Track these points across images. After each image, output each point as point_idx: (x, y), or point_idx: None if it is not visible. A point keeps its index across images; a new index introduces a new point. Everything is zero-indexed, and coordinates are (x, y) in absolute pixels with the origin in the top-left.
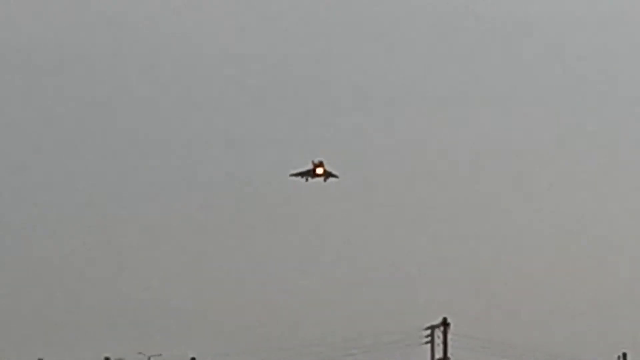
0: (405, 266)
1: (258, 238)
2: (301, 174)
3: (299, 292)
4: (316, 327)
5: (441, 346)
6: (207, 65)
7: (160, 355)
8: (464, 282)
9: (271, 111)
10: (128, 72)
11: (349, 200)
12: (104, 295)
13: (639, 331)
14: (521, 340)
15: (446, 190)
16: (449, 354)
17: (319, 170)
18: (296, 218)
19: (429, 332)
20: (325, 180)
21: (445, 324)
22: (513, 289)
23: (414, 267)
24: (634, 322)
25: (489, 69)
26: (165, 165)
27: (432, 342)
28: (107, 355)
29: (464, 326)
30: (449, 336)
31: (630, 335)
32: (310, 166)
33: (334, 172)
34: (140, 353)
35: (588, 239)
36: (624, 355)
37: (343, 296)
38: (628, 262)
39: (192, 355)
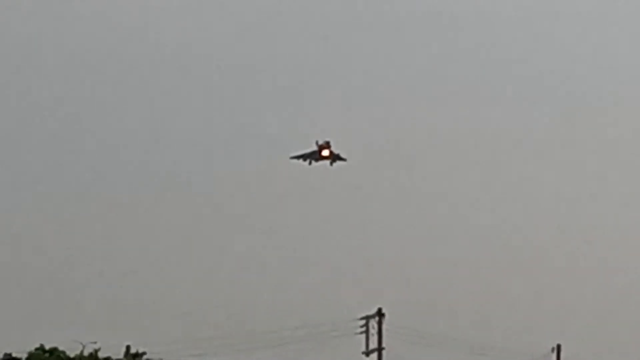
0: (342, 257)
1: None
2: (304, 157)
3: (232, 283)
4: (249, 318)
5: (376, 336)
6: (208, 57)
7: (96, 342)
8: (400, 272)
9: (275, 93)
10: (123, 69)
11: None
12: (40, 282)
13: (573, 324)
14: (456, 332)
15: (397, 183)
16: (383, 344)
17: (325, 152)
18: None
19: (363, 322)
20: (332, 163)
21: (380, 314)
22: (449, 281)
23: (350, 258)
24: (567, 315)
25: (495, 62)
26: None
27: (367, 332)
28: (42, 342)
29: (399, 317)
30: (384, 327)
31: (564, 328)
32: (314, 148)
33: (341, 154)
34: (75, 341)
35: (520, 231)
36: (558, 347)
37: (276, 287)
38: (562, 255)
39: (127, 343)
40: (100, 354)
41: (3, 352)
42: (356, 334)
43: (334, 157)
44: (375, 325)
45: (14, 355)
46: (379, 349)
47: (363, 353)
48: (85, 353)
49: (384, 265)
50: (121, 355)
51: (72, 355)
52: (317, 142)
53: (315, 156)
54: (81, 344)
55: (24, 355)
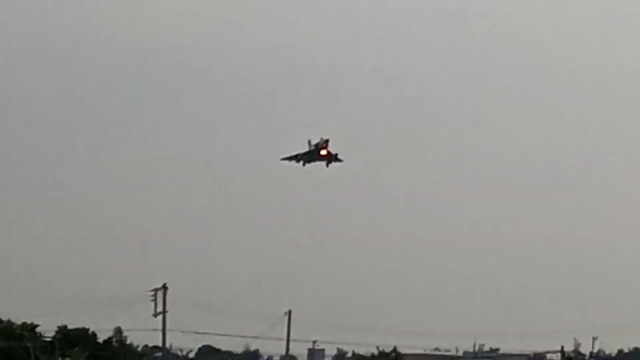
0: (139, 243)
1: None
2: (296, 158)
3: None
4: (77, 283)
5: (161, 304)
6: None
7: None
8: (182, 250)
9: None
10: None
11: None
12: None
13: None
14: (222, 300)
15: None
16: (167, 309)
17: (323, 152)
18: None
19: (153, 293)
20: (328, 164)
21: (164, 287)
22: (221, 257)
23: (141, 243)
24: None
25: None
26: None
27: (155, 300)
28: None
29: (181, 289)
30: (168, 297)
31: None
32: (307, 148)
33: (339, 155)
34: None
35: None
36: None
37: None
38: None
39: None
40: None
41: None
42: (149, 301)
43: (331, 157)
44: (161, 295)
45: None
46: (164, 312)
47: (152, 314)
48: None
49: (170, 249)
50: None
51: None
52: (309, 142)
53: (309, 157)
54: None
55: None
